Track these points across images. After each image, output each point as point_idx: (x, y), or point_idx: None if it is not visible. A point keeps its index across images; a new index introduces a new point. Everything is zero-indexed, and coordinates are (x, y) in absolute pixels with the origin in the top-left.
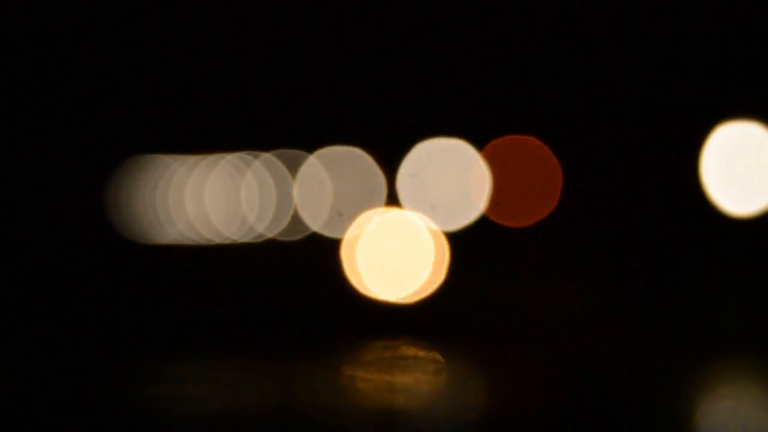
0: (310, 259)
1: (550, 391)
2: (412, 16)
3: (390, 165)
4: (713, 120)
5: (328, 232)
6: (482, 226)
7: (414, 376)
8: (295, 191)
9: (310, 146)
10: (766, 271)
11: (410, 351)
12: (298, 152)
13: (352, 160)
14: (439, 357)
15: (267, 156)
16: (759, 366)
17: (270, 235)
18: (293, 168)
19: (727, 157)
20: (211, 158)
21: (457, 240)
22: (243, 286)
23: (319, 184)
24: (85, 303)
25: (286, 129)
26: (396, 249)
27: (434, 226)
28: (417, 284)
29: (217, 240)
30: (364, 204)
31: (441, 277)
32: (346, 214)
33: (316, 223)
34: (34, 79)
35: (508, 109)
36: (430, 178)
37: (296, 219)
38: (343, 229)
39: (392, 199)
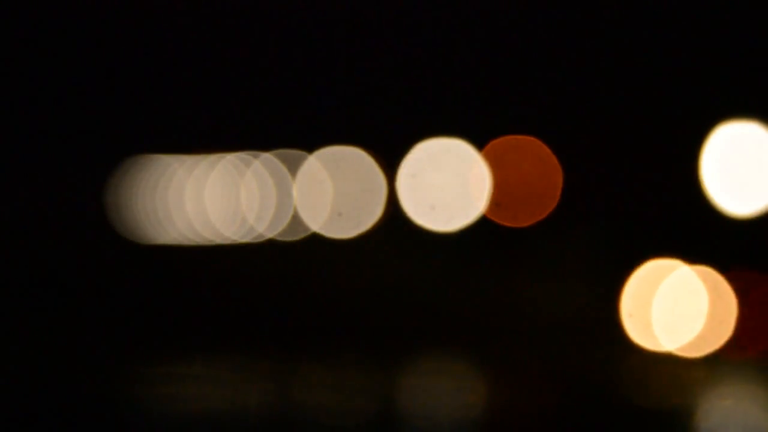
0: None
1: (549, 391)
2: (412, 15)
3: (390, 165)
4: (713, 120)
5: (328, 233)
6: (482, 226)
7: (416, 378)
8: (295, 191)
9: (310, 146)
10: (766, 271)
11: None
12: (298, 152)
13: (352, 160)
14: (445, 358)
15: (267, 156)
16: (759, 366)
17: (270, 235)
18: (293, 168)
19: (727, 157)
20: (211, 158)
21: (456, 240)
22: (244, 287)
23: (319, 184)
24: (85, 303)
25: (286, 129)
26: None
27: None
28: (690, 336)
29: (217, 240)
30: (364, 204)
31: (726, 332)
32: (345, 215)
33: (316, 223)
34: (34, 79)
35: (508, 109)
36: (430, 178)
37: (296, 219)
38: (344, 230)
39: (392, 200)
